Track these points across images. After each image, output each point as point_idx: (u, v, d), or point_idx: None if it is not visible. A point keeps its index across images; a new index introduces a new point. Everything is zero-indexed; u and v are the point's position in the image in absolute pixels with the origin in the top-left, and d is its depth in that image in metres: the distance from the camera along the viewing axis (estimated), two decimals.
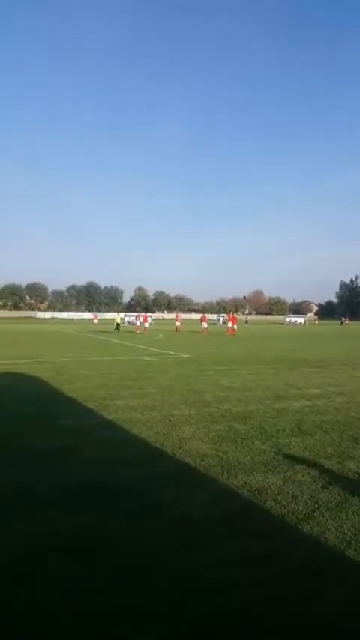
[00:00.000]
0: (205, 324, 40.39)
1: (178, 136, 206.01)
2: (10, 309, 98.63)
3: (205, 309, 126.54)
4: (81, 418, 7.06)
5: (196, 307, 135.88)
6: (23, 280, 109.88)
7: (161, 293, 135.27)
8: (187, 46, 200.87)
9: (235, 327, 37.58)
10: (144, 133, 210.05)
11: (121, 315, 49.89)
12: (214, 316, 71.56)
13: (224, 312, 79.92)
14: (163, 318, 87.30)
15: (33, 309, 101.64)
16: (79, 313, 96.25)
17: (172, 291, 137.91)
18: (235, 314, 47.13)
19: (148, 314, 55.34)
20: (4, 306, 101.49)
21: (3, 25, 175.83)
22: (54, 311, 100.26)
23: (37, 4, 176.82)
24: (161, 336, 32.57)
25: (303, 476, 4.61)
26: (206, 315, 48.71)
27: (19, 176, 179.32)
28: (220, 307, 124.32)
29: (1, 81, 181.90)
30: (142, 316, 45.28)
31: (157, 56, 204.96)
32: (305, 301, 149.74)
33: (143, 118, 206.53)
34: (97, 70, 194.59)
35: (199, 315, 60.55)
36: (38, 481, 4.40)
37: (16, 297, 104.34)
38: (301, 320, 77.75)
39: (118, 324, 38.30)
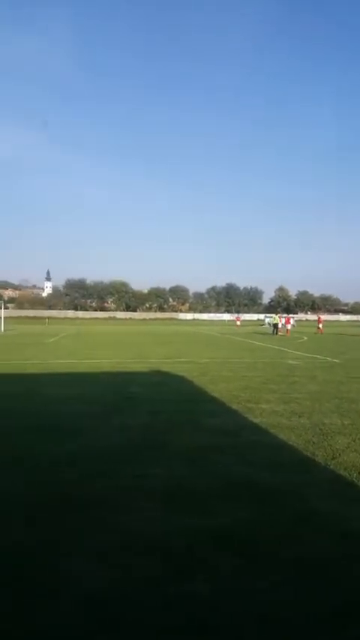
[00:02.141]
0: None
1: (314, 127, 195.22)
2: (155, 311, 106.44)
3: (355, 309, 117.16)
4: (226, 419, 7.23)
5: (344, 308, 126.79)
6: (167, 283, 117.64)
7: (304, 293, 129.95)
8: None
9: None
10: (287, 127, 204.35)
11: (262, 316, 49.26)
12: None
13: None
14: (307, 320, 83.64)
15: (175, 311, 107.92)
16: (219, 314, 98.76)
17: (316, 291, 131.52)
18: None
19: (291, 315, 53.68)
20: (150, 308, 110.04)
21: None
22: (194, 312, 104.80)
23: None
24: (305, 338, 31.29)
25: None
26: None
27: (162, 184, 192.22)
28: None
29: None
30: (285, 317, 44.16)
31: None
32: None
33: (284, 114, 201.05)
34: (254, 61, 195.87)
35: (347, 317, 56.24)
36: (191, 477, 4.67)
37: (160, 299, 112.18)
38: None
39: (276, 326, 37.09)
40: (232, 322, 71.22)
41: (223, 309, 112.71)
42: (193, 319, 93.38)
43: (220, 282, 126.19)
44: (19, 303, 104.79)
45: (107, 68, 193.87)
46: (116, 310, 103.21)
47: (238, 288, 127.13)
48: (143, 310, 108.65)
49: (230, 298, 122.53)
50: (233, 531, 3.52)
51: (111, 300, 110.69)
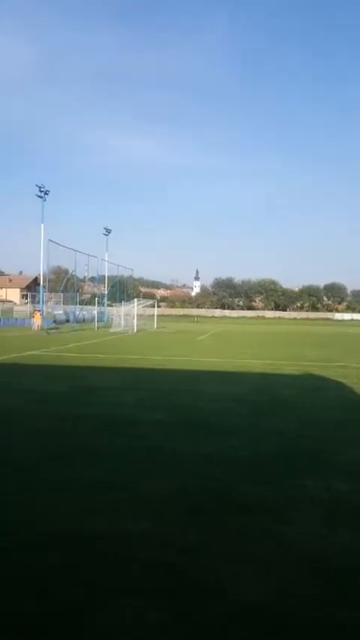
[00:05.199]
0: None
1: None
2: (307, 311, 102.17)
3: None
4: None
5: None
6: (321, 281, 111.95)
7: None
8: None
9: None
10: None
11: None
12: None
13: None
14: None
15: (330, 310, 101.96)
16: None
17: None
18: None
19: None
20: (301, 308, 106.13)
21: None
22: (353, 312, 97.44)
23: None
24: None
25: None
26: None
27: (328, 177, 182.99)
28: None
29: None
30: None
31: None
32: None
33: None
34: None
35: None
36: (353, 493, 4.34)
37: (313, 298, 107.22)
38: None
39: None
40: None
41: None
42: (352, 319, 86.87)
43: None
44: (170, 302, 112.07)
45: (260, 69, 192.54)
46: (264, 309, 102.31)
47: None
48: (294, 310, 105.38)
49: None
50: None
51: (259, 298, 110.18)
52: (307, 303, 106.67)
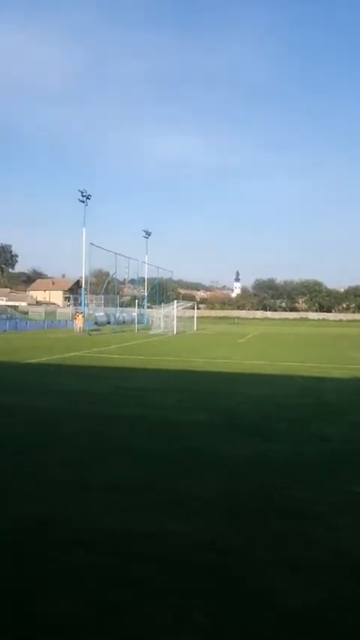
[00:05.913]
0: None
1: None
2: (354, 312, 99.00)
3: None
4: None
5: None
6: None
7: None
8: None
9: None
10: None
11: None
12: None
13: None
14: None
15: None
16: None
17: None
18: None
19: None
20: (347, 309, 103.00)
21: None
22: None
23: None
24: None
25: None
26: None
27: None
28: None
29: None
30: None
31: None
32: None
33: None
34: None
35: None
36: None
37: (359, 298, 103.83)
38: None
39: None
40: None
41: None
42: None
43: None
44: (209, 303, 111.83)
45: (304, 65, 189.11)
46: (308, 311, 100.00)
47: None
48: (339, 311, 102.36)
49: None
50: None
51: (302, 300, 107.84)
52: (354, 304, 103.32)
